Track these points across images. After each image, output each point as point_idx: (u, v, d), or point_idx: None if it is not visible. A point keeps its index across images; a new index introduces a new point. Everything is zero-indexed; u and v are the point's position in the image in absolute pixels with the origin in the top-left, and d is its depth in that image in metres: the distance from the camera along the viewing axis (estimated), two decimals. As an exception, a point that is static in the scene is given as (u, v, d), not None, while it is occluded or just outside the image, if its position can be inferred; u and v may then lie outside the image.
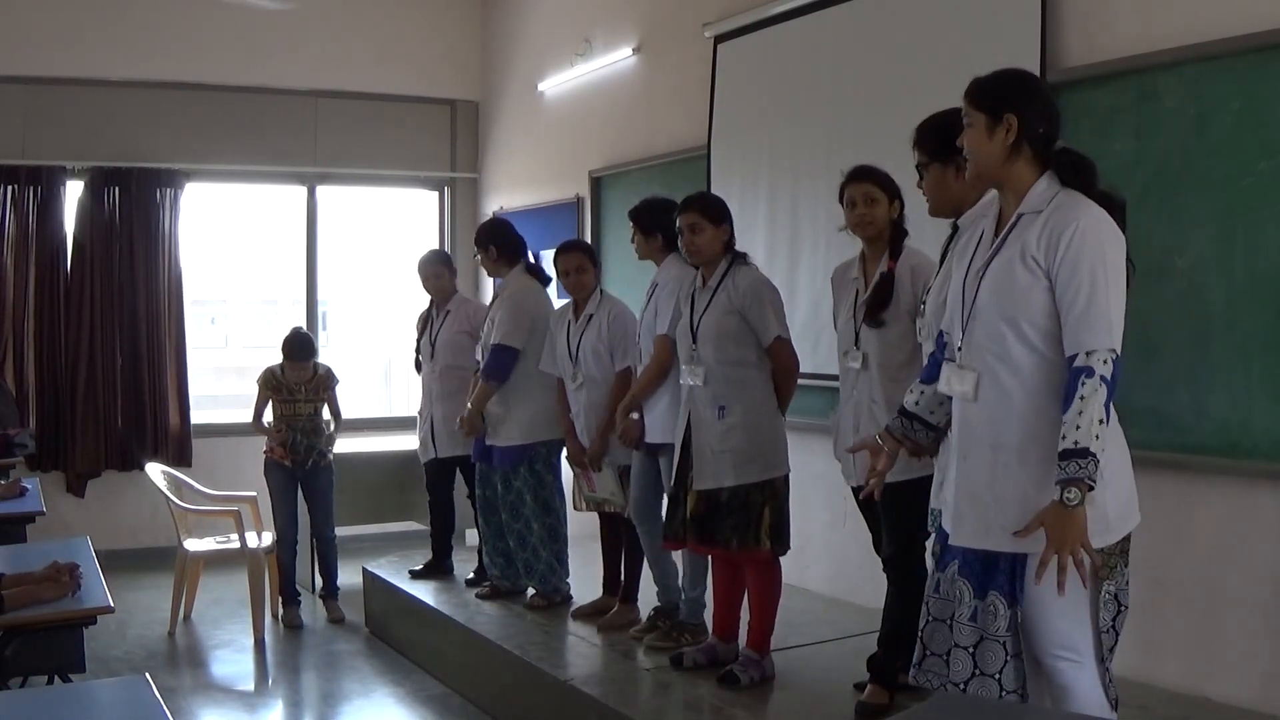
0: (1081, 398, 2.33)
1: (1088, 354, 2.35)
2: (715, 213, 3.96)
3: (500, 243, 5.17)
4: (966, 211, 2.99)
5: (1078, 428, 2.32)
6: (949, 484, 2.65)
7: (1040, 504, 2.39)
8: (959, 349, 2.59)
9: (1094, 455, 2.32)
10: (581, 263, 4.68)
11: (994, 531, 2.48)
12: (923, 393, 2.79)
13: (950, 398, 2.66)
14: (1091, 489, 2.33)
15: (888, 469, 2.87)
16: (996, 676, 2.47)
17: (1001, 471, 2.48)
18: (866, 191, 3.58)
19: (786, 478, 3.93)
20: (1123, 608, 2.51)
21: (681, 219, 3.98)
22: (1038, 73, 3.99)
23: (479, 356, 5.20)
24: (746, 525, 3.81)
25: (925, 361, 3.15)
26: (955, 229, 3.04)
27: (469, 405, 5.06)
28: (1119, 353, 2.38)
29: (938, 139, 3.03)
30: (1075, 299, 2.38)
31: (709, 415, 3.88)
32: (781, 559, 3.95)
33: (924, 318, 3.13)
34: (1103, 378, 2.34)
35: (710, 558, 4.10)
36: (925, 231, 3.68)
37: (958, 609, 2.55)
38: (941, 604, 2.62)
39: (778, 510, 3.86)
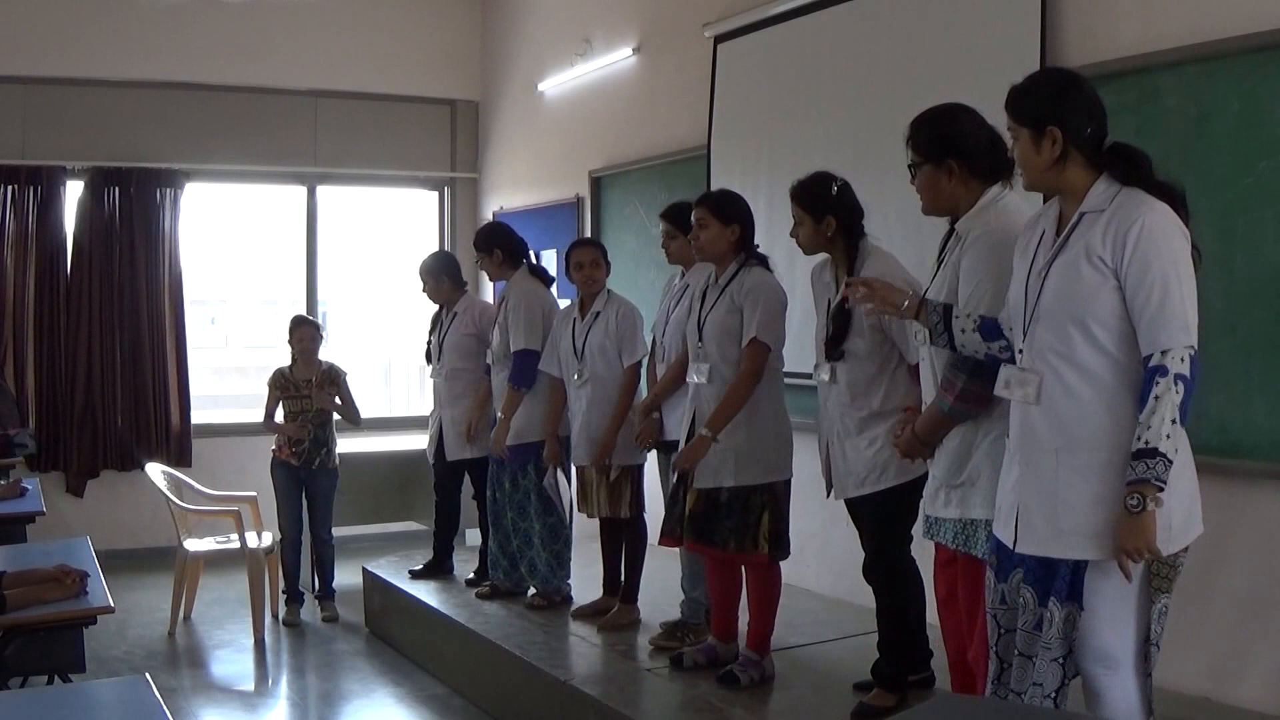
0: (1156, 397, 2.33)
1: (1163, 353, 2.35)
2: (725, 212, 3.93)
3: (505, 246, 5.17)
4: (964, 214, 2.97)
5: (1149, 428, 2.33)
6: (1006, 490, 2.61)
7: (1116, 506, 2.38)
8: (1020, 351, 2.56)
9: (1163, 455, 2.32)
10: (596, 257, 4.72)
11: (1064, 537, 2.45)
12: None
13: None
14: (1161, 490, 2.33)
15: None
16: (1051, 696, 2.46)
17: (1070, 475, 2.46)
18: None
19: (788, 483, 3.90)
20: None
21: (694, 213, 3.99)
22: (1038, 73, 4.00)
23: (489, 360, 5.20)
24: (744, 528, 3.80)
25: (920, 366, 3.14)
26: (952, 229, 3.03)
27: (499, 414, 5.04)
28: (1196, 348, 2.38)
29: (929, 138, 2.99)
30: (1149, 300, 2.37)
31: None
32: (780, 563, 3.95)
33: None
34: (1178, 376, 2.34)
35: (705, 558, 4.09)
36: (924, 230, 3.68)
37: (1021, 616, 2.53)
38: (1009, 614, 2.60)
39: (777, 515, 3.83)
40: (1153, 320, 2.37)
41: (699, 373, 3.92)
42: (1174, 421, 2.33)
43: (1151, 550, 2.35)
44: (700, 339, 3.92)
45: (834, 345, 3.48)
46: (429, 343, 5.68)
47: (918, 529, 3.44)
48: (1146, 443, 2.33)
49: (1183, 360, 2.35)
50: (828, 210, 3.52)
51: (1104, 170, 2.49)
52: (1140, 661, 2.45)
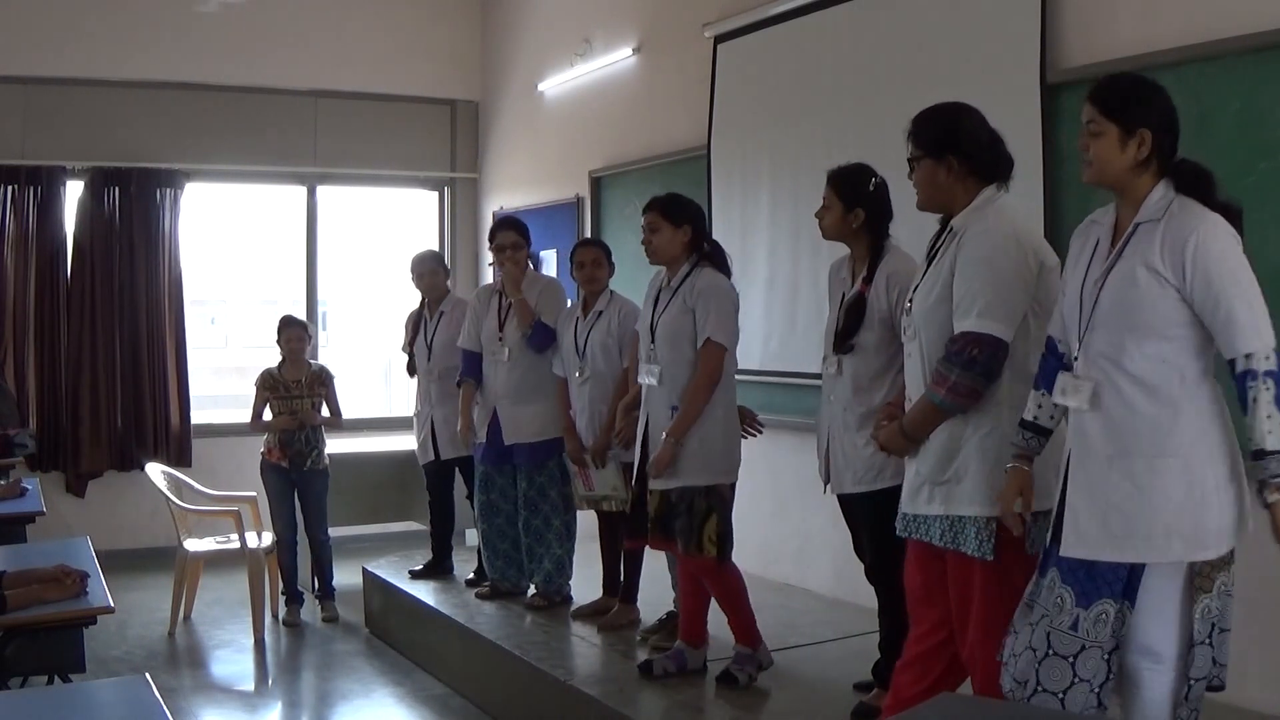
0: (1254, 400, 2.38)
1: (1246, 357, 2.40)
2: (676, 214, 3.96)
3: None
4: (959, 211, 2.96)
5: (1254, 430, 2.38)
6: (1048, 495, 2.65)
7: (1179, 512, 2.43)
8: (1075, 359, 2.59)
9: (1273, 453, 2.37)
10: (598, 257, 4.71)
11: (1116, 541, 2.48)
12: (1040, 404, 2.74)
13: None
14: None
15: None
16: (1096, 691, 2.48)
17: (1122, 480, 2.48)
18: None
19: (733, 486, 3.92)
20: (1221, 629, 2.53)
21: (644, 218, 4.01)
22: (1037, 73, 4.01)
23: (495, 352, 5.17)
24: (691, 529, 3.81)
25: (908, 363, 3.13)
26: (942, 225, 3.02)
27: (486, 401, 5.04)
28: (1277, 343, 2.43)
29: (932, 133, 2.98)
30: (1217, 311, 2.42)
31: (664, 415, 3.87)
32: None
33: (908, 315, 3.07)
34: (1268, 373, 2.39)
35: (678, 561, 4.10)
36: (928, 230, 3.68)
37: (1057, 616, 2.55)
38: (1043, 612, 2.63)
39: (724, 518, 3.84)
40: (1225, 329, 2.42)
41: (650, 374, 3.93)
42: (1269, 417, 2.38)
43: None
44: (653, 341, 3.93)
45: (844, 339, 3.49)
46: (412, 344, 5.66)
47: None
48: (1258, 445, 2.38)
49: (1268, 358, 2.40)
50: (859, 202, 3.52)
51: (1165, 177, 2.54)
52: (1182, 660, 2.49)
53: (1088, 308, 2.55)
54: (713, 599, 4.05)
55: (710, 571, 3.87)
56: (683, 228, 3.94)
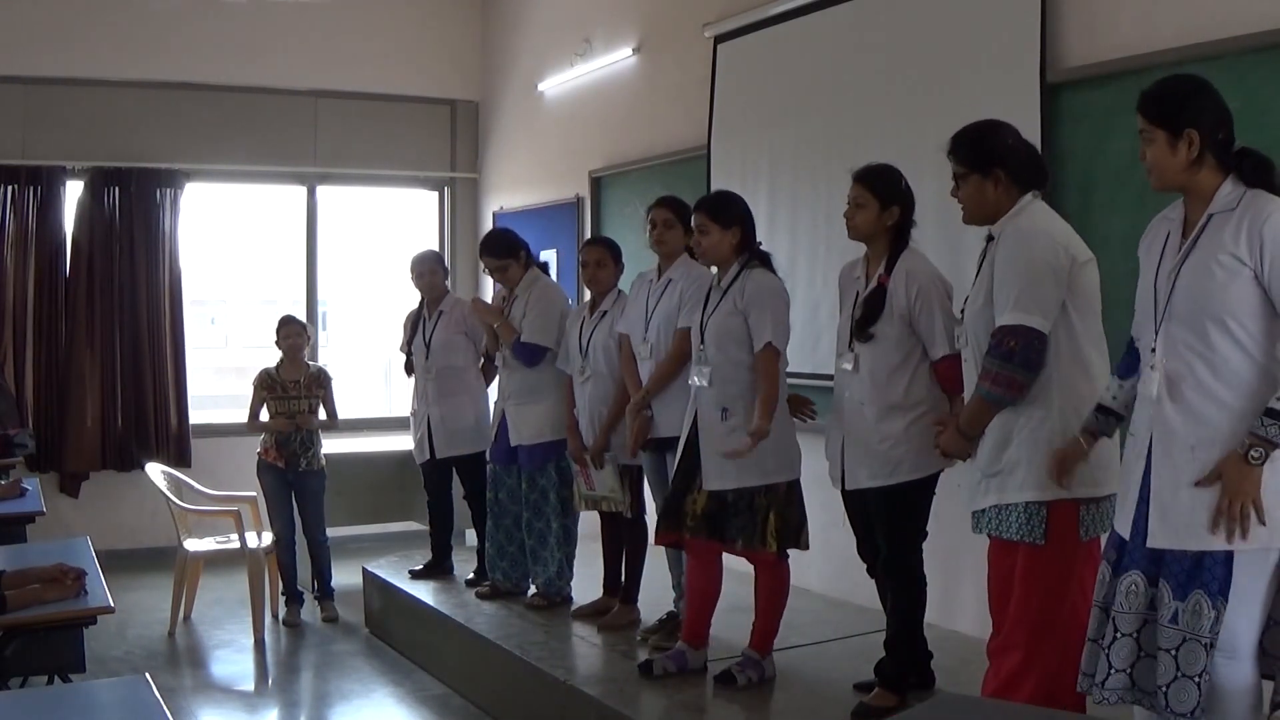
0: None
1: None
2: (723, 215, 3.91)
3: (524, 247, 5.14)
4: (1002, 219, 3.04)
5: None
6: (1133, 485, 2.63)
7: (1265, 498, 2.43)
8: (1152, 350, 2.62)
9: None
10: (602, 257, 4.69)
11: (1201, 530, 2.48)
12: (1120, 387, 2.81)
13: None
14: None
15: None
16: (1197, 680, 2.46)
17: (1205, 469, 2.49)
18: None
19: (795, 483, 3.88)
20: None
21: (693, 219, 3.99)
22: (1037, 73, 4.01)
23: (497, 360, 5.18)
24: (752, 527, 3.81)
25: (967, 362, 3.16)
26: (990, 238, 3.09)
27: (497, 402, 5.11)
28: None
29: (976, 150, 3.08)
30: None
31: (713, 417, 3.85)
32: (789, 561, 3.95)
33: (961, 324, 3.17)
34: None
35: (684, 560, 4.11)
36: (927, 230, 3.69)
37: (1161, 610, 2.53)
38: (1129, 618, 2.59)
39: (783, 515, 3.82)
40: None
41: (700, 375, 3.91)
42: None
43: (1256, 502, 2.42)
44: (703, 342, 3.92)
45: (864, 326, 3.51)
46: (410, 344, 5.66)
47: (949, 526, 3.46)
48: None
49: None
50: (895, 200, 3.56)
51: (1231, 172, 2.57)
52: (1254, 653, 2.50)
53: (1163, 299, 2.59)
54: (718, 600, 4.05)
55: (768, 566, 3.89)
56: (731, 229, 3.89)
